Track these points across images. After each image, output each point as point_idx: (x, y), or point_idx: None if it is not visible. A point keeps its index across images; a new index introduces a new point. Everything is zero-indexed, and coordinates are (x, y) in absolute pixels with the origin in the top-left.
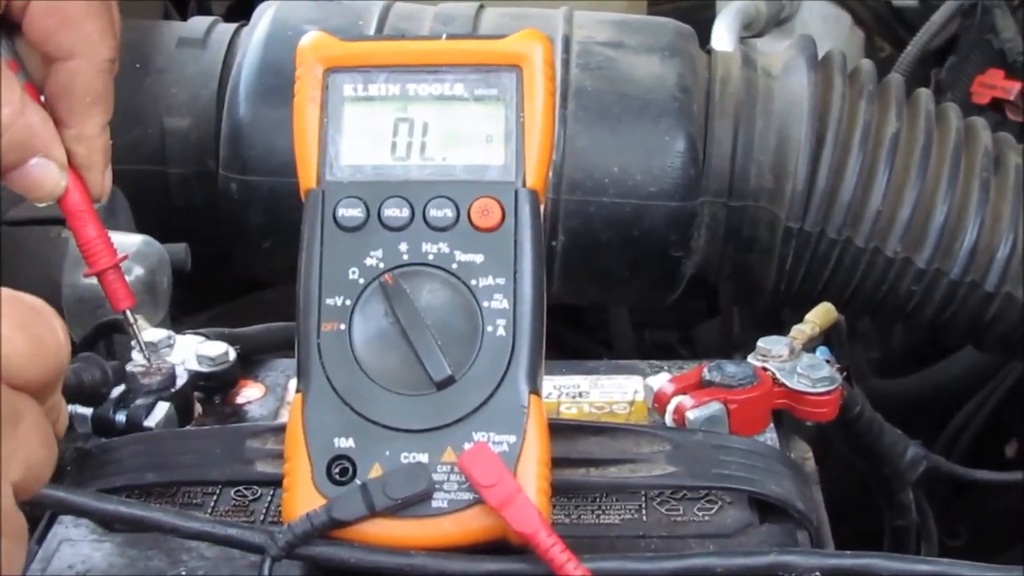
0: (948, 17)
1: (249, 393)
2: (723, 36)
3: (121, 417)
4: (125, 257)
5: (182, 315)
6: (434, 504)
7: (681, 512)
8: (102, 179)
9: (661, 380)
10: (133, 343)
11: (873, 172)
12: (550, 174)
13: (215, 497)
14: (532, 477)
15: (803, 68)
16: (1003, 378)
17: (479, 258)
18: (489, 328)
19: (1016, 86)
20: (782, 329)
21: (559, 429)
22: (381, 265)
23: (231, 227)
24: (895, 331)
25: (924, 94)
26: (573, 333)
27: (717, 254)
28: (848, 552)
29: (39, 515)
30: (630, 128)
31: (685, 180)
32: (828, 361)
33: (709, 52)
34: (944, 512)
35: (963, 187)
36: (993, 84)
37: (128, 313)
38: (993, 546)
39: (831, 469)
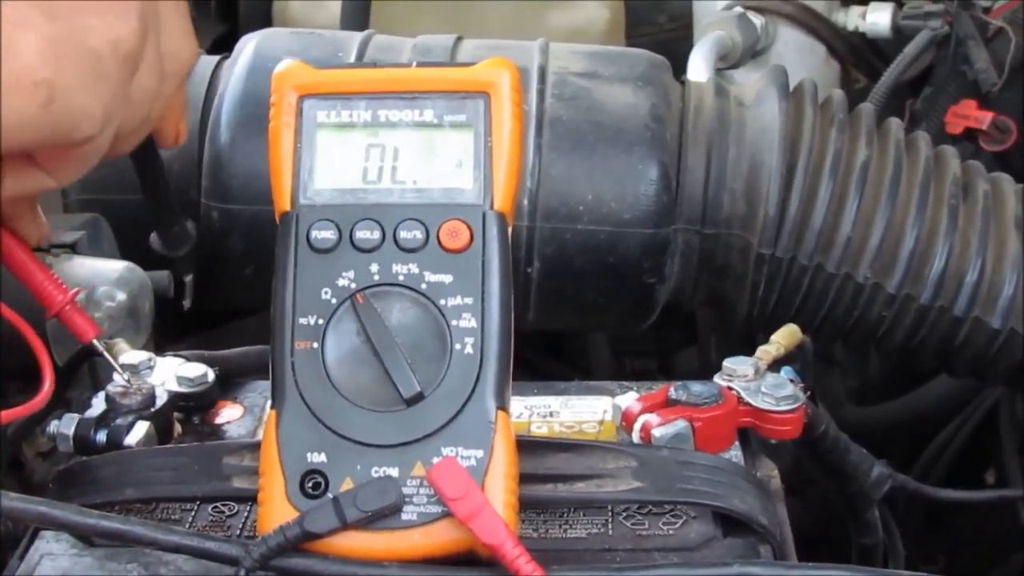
0: (922, 48)
1: (228, 413)
2: (699, 67)
3: (102, 436)
4: (77, 291)
5: (164, 342)
6: (404, 517)
7: (646, 526)
8: (34, 225)
9: (629, 399)
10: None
11: (843, 199)
12: (525, 201)
13: (193, 513)
14: (499, 491)
15: (775, 97)
16: (978, 405)
17: (448, 278)
18: (457, 346)
19: (989, 116)
20: None
21: (527, 445)
22: (353, 285)
23: (213, 254)
24: (872, 359)
25: (894, 123)
26: (552, 361)
27: (691, 280)
28: (811, 564)
29: (21, 531)
30: (604, 156)
31: (659, 207)
32: (792, 381)
33: (683, 82)
34: (921, 537)
35: (932, 214)
36: (966, 114)
37: (95, 342)
38: (970, 570)
39: (806, 497)
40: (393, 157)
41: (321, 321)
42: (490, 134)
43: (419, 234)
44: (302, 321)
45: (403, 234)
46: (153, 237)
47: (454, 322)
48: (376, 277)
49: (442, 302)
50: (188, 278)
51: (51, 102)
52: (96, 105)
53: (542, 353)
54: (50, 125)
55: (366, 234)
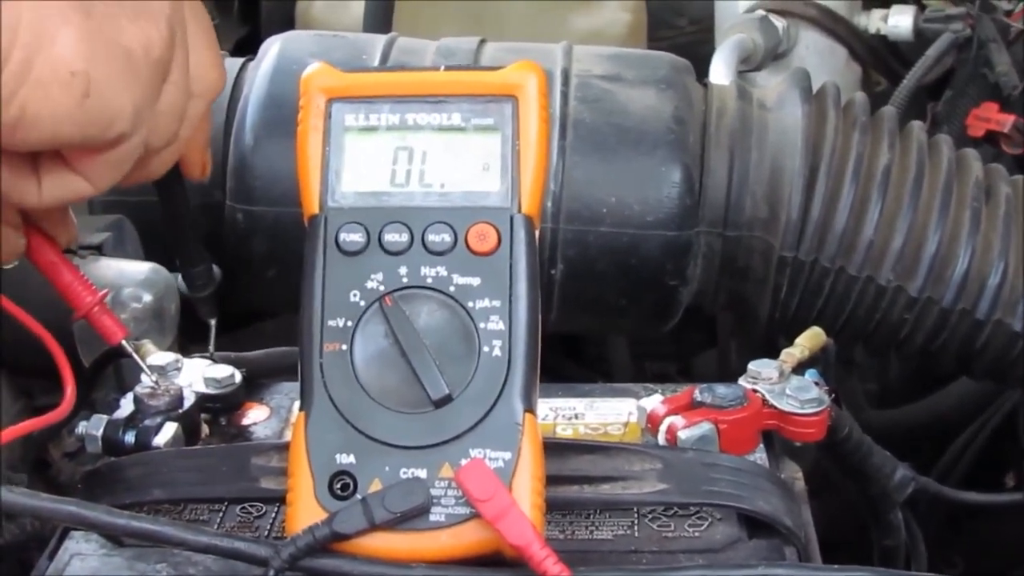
0: (943, 51)
1: (254, 415)
2: (721, 70)
3: (130, 437)
4: (107, 293)
5: (188, 343)
6: (432, 518)
7: (672, 528)
8: (64, 226)
9: (654, 401)
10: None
11: (866, 202)
12: (548, 203)
13: (221, 514)
14: (526, 492)
15: (797, 100)
16: (997, 408)
17: (476, 281)
18: (485, 348)
19: (1010, 119)
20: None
21: (553, 447)
22: (381, 288)
23: (236, 256)
24: (891, 363)
25: (916, 126)
26: (573, 365)
27: (712, 283)
28: (835, 567)
29: (49, 531)
30: (627, 159)
31: (681, 210)
32: (817, 383)
33: (706, 85)
34: (940, 541)
35: (954, 217)
36: (988, 117)
37: (124, 343)
38: (989, 574)
39: (828, 502)
40: (421, 160)
41: (350, 323)
42: (517, 137)
43: (447, 237)
44: (331, 323)
45: (431, 237)
46: (179, 280)
47: (482, 324)
48: (404, 280)
49: (470, 304)
50: (212, 322)
51: (87, 95)
52: (128, 102)
53: (561, 356)
54: (86, 118)
55: (394, 237)
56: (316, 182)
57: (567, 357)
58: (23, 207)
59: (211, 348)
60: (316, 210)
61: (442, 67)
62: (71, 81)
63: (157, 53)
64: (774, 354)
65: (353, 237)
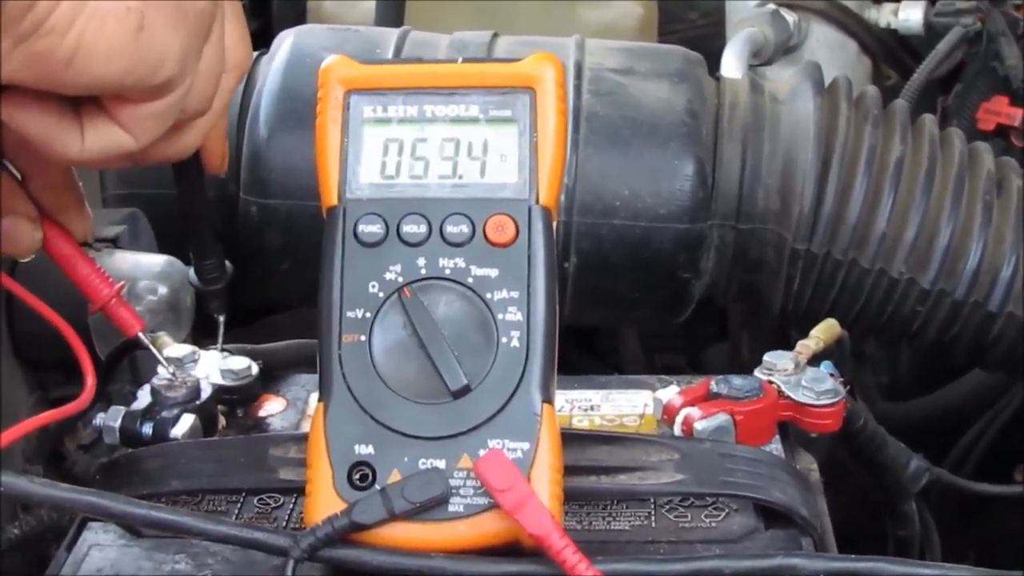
0: (953, 45)
1: (271, 407)
2: (732, 64)
3: (147, 428)
4: (123, 285)
5: (201, 336)
6: (451, 508)
7: (689, 519)
8: (80, 219)
9: (670, 393)
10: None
11: (878, 195)
12: (562, 197)
13: (239, 505)
14: (545, 482)
15: (809, 93)
16: (1009, 401)
17: (494, 272)
18: (504, 339)
19: (1020, 112)
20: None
21: (571, 438)
22: (400, 279)
23: (250, 249)
24: (903, 356)
25: (928, 119)
26: (584, 358)
27: (725, 276)
28: (852, 556)
29: (67, 522)
30: (640, 152)
31: (694, 203)
32: (832, 375)
33: (718, 78)
34: (952, 534)
35: (966, 209)
36: (998, 111)
37: (141, 335)
38: (1001, 567)
39: (842, 494)
40: (439, 152)
41: (368, 314)
42: (535, 129)
43: (465, 228)
44: (349, 314)
45: (449, 228)
46: (190, 273)
47: (500, 315)
48: (423, 271)
49: (488, 296)
50: (221, 318)
51: (141, 30)
52: (177, 45)
53: (572, 348)
54: (138, 55)
55: (413, 228)
56: (335, 174)
57: (578, 349)
58: (64, 159)
59: (219, 345)
60: (335, 201)
61: (460, 59)
62: (126, 15)
63: (202, 5)
64: (785, 346)
65: (371, 228)
